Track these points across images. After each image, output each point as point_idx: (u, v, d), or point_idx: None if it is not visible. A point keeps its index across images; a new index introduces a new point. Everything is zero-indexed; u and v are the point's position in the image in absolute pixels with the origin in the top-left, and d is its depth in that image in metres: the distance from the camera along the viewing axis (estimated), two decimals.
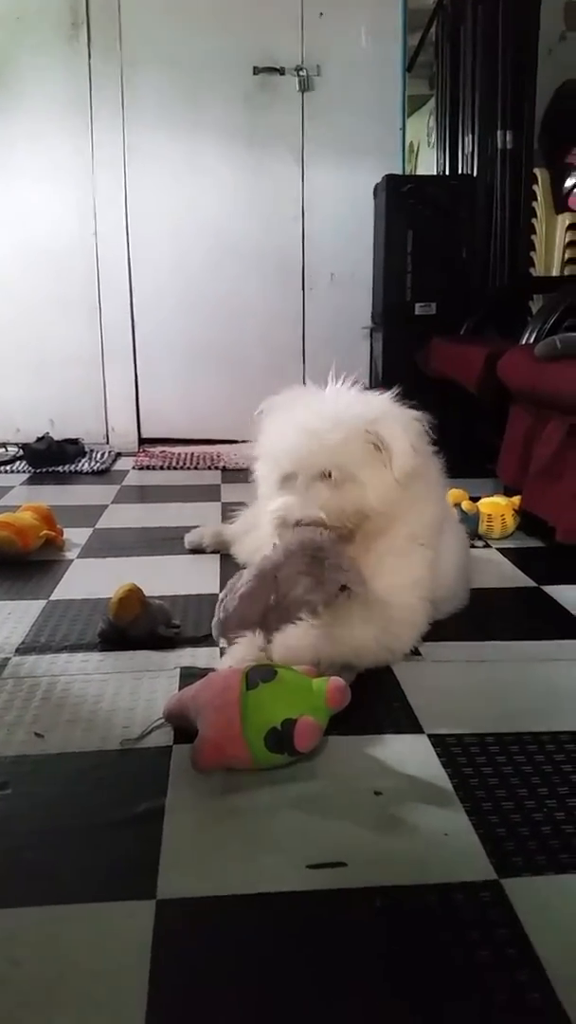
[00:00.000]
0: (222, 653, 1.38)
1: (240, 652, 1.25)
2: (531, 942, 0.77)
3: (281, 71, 3.33)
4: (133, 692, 1.28)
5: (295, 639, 1.24)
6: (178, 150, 3.39)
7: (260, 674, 1.07)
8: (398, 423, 1.38)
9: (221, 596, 1.30)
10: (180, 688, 1.26)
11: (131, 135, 3.35)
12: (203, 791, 1.02)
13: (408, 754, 1.10)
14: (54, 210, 3.37)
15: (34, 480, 2.93)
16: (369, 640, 1.29)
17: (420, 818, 0.97)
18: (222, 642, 1.33)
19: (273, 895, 0.84)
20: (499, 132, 3.13)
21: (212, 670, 1.28)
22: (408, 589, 1.39)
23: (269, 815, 0.97)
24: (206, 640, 1.48)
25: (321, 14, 3.31)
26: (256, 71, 3.32)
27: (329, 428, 1.35)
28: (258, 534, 1.87)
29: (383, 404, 1.43)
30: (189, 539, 2.04)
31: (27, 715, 1.21)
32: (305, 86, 3.35)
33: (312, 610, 1.27)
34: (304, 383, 3.63)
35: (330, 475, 1.34)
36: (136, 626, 1.44)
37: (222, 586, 1.76)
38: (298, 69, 3.33)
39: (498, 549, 2.07)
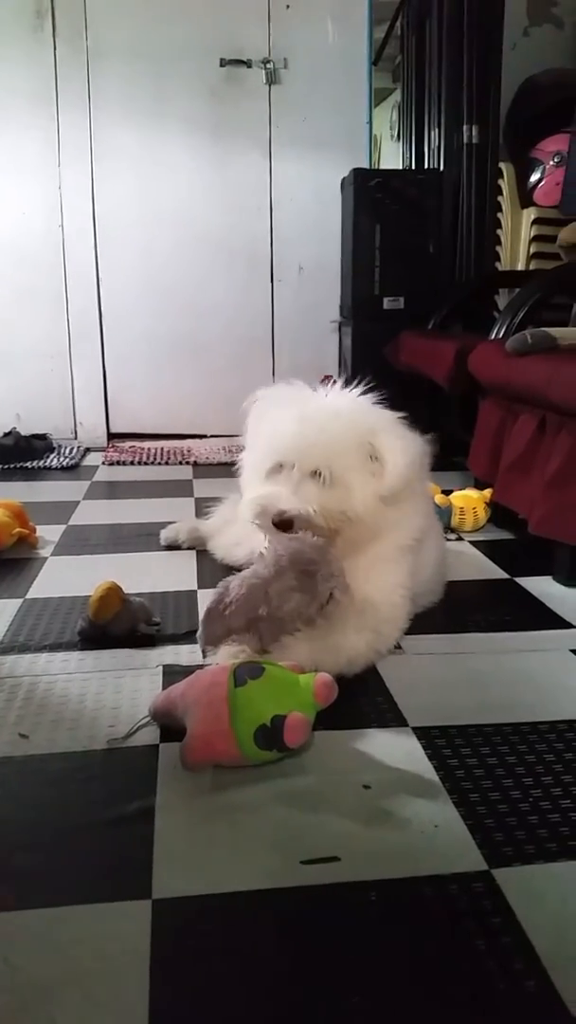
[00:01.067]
0: (205, 651, 1.38)
1: (229, 651, 1.25)
2: (525, 930, 0.79)
3: (248, 64, 3.31)
4: (116, 691, 1.28)
5: (294, 653, 1.24)
6: (145, 142, 3.35)
7: (248, 671, 1.08)
8: (399, 440, 1.39)
9: (208, 606, 1.29)
10: (164, 686, 1.26)
11: (97, 127, 3.30)
12: (193, 789, 1.02)
13: (394, 748, 1.12)
14: (19, 202, 3.30)
15: (2, 476, 2.88)
16: (362, 647, 1.30)
17: (410, 811, 0.98)
18: (207, 653, 1.32)
19: (269, 891, 0.85)
20: (465, 126, 3.15)
21: (195, 668, 1.28)
22: (392, 589, 1.41)
23: (260, 812, 0.98)
24: (187, 637, 1.48)
25: (288, 6, 3.29)
26: (223, 63, 3.29)
27: (333, 426, 1.36)
28: (235, 529, 1.87)
29: (388, 418, 1.43)
30: (165, 535, 2.03)
31: (10, 716, 1.19)
32: (272, 79, 3.33)
33: (308, 621, 1.28)
34: (273, 375, 3.67)
35: (320, 474, 1.35)
36: (116, 624, 1.44)
37: (200, 583, 1.79)
38: (265, 62, 3.31)
39: (470, 542, 2.09)
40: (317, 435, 1.35)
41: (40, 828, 0.95)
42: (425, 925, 0.80)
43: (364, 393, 1.47)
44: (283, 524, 1.34)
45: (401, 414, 1.46)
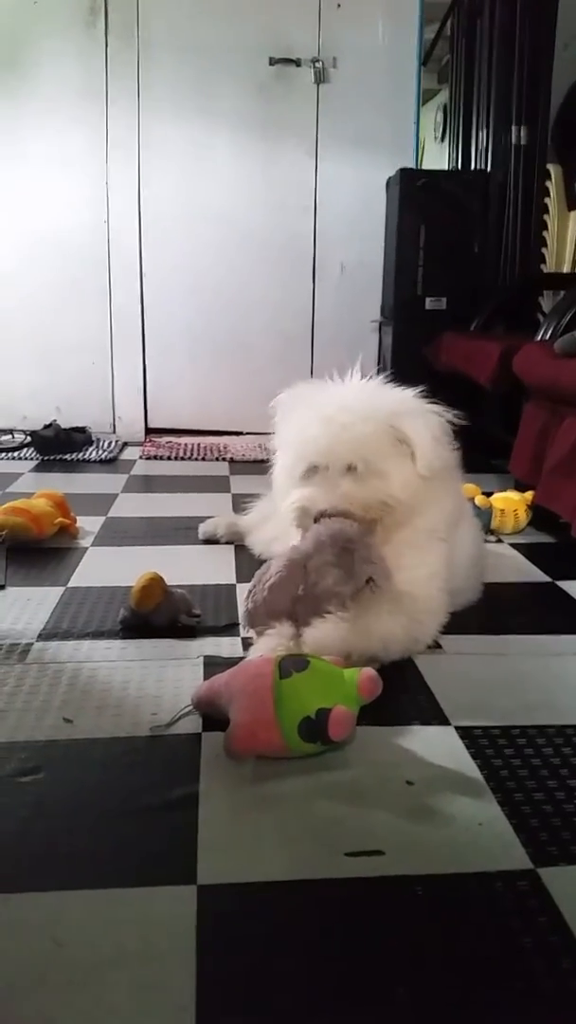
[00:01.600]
0: (245, 643, 1.38)
1: (269, 643, 1.25)
2: (572, 929, 0.78)
3: (297, 62, 3.32)
4: (159, 680, 1.28)
5: (324, 633, 1.24)
6: (192, 139, 3.38)
7: (293, 663, 1.08)
8: (421, 418, 1.40)
9: (250, 586, 1.30)
10: (205, 677, 1.27)
11: (146, 122, 3.33)
12: (236, 778, 1.02)
13: (436, 745, 1.11)
14: (66, 196, 3.35)
15: (41, 467, 2.92)
16: (397, 631, 1.30)
17: (453, 808, 0.97)
18: (249, 632, 1.33)
19: (313, 882, 0.85)
20: (514, 128, 3.13)
21: (236, 659, 1.29)
22: (429, 580, 1.40)
23: (304, 803, 0.98)
24: (228, 629, 1.48)
25: (339, 5, 3.29)
26: (272, 62, 3.30)
27: (355, 420, 1.36)
28: (272, 525, 1.88)
29: (406, 398, 1.45)
30: (203, 529, 2.04)
31: (55, 700, 1.21)
32: (321, 78, 3.34)
33: (341, 603, 1.28)
34: (311, 374, 3.69)
35: (355, 468, 1.36)
36: (158, 614, 1.45)
37: (238, 577, 1.79)
38: (314, 61, 3.31)
39: (511, 544, 2.08)
40: (342, 431, 1.35)
41: (85, 811, 0.96)
42: (471, 921, 0.80)
43: (382, 380, 1.50)
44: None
45: (418, 389, 1.48)
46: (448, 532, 1.48)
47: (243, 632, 1.36)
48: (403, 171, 3.14)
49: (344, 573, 1.27)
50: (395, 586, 1.34)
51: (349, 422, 1.36)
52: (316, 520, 1.36)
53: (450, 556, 1.48)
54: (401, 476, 1.37)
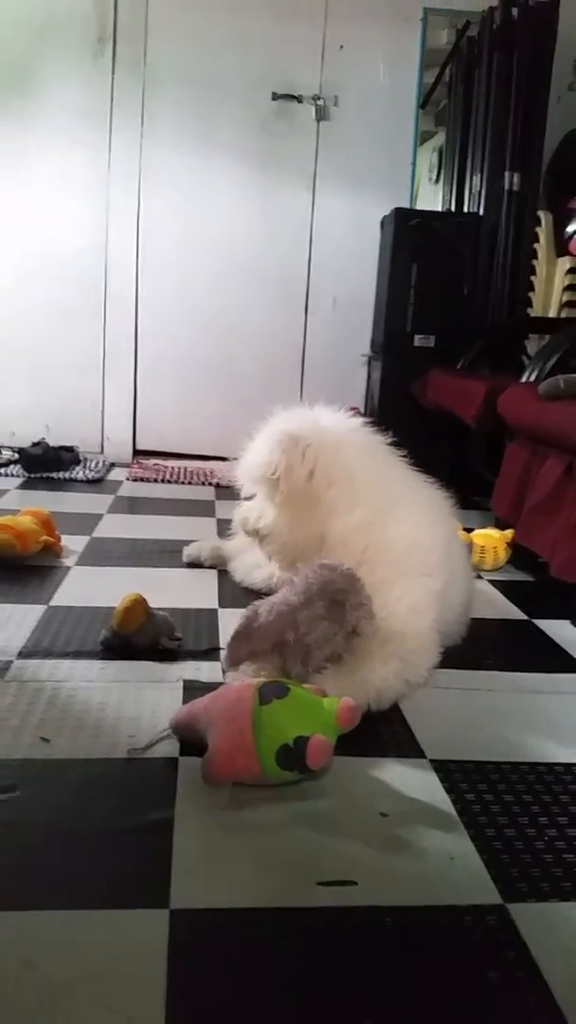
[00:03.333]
0: (226, 673, 1.39)
1: (248, 670, 1.26)
2: (539, 966, 0.79)
3: (299, 99, 3.40)
4: (137, 701, 1.29)
5: (319, 688, 1.25)
6: (193, 168, 3.44)
7: (273, 690, 1.09)
8: (281, 442, 1.52)
9: (236, 629, 1.29)
10: (184, 701, 1.28)
11: (148, 150, 3.38)
12: (211, 804, 1.03)
13: (411, 778, 1.12)
14: (67, 218, 3.39)
15: (28, 485, 2.92)
16: (391, 679, 1.29)
17: (426, 841, 0.98)
18: (228, 673, 1.33)
19: (285, 910, 0.85)
20: (507, 173, 3.21)
21: (215, 684, 1.29)
22: (413, 615, 1.40)
23: (278, 831, 0.99)
24: (208, 654, 1.49)
25: (341, 47, 3.38)
26: (275, 97, 3.38)
27: (253, 448, 1.58)
28: (255, 552, 1.89)
29: (282, 423, 1.59)
30: (188, 553, 2.05)
31: (33, 719, 1.21)
32: (321, 115, 3.42)
33: (334, 657, 1.28)
34: (300, 404, 3.70)
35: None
36: (140, 636, 1.45)
37: (221, 601, 1.80)
38: (315, 98, 3.39)
39: (489, 581, 2.10)
40: (243, 459, 1.59)
41: (60, 831, 0.96)
42: (439, 954, 0.81)
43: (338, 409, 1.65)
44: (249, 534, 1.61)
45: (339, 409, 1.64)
46: (434, 568, 1.49)
47: (224, 673, 1.35)
48: (398, 211, 3.21)
49: (335, 624, 1.27)
50: (381, 626, 1.34)
51: (251, 448, 1.58)
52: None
53: (442, 593, 1.49)
54: (263, 501, 1.55)
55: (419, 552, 1.49)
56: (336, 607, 1.27)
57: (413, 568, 1.46)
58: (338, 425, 1.61)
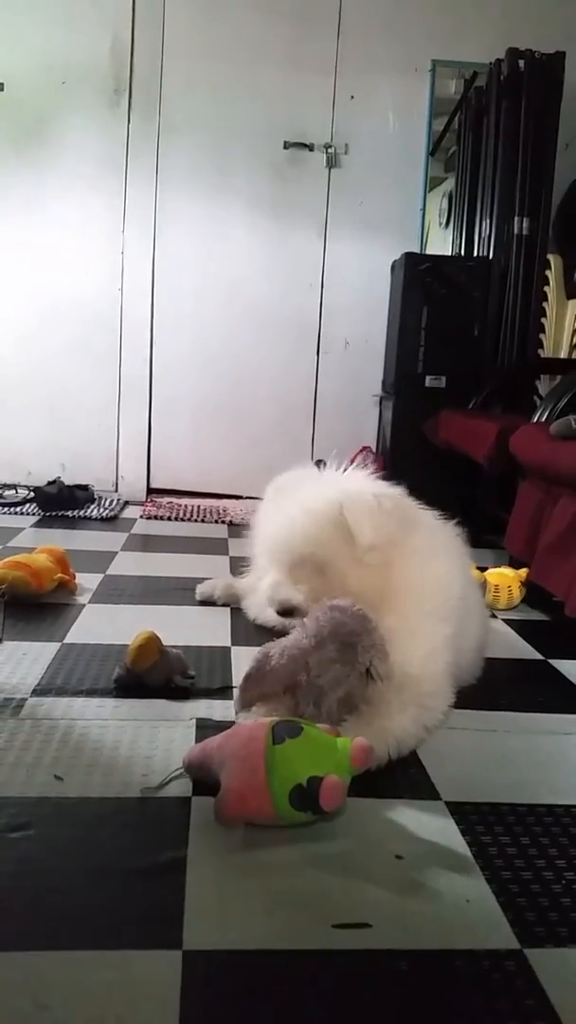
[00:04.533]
0: (238, 714, 1.38)
1: (262, 711, 1.26)
2: (559, 1015, 0.77)
3: (310, 147, 3.48)
4: (150, 740, 1.29)
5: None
6: (207, 215, 3.51)
7: (287, 729, 1.09)
8: (361, 504, 1.48)
9: (247, 672, 1.28)
10: (197, 739, 1.27)
11: (163, 196, 3.47)
12: (224, 845, 1.02)
13: (427, 820, 1.11)
14: (83, 263, 3.46)
15: (43, 523, 2.94)
16: (409, 727, 1.28)
17: (442, 883, 0.97)
18: (240, 714, 1.32)
19: (300, 952, 0.84)
20: (516, 218, 3.26)
21: (228, 723, 1.29)
22: (429, 659, 1.39)
23: (292, 872, 0.98)
24: (221, 692, 1.49)
25: (352, 97, 3.47)
26: (287, 145, 3.46)
27: (307, 516, 1.48)
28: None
29: (355, 486, 1.54)
30: (201, 591, 2.06)
31: (46, 757, 1.21)
32: (332, 163, 3.50)
33: (352, 707, 1.27)
34: (312, 444, 3.74)
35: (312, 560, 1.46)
36: (153, 674, 1.45)
37: (234, 639, 1.80)
38: (327, 146, 3.48)
39: (504, 620, 2.09)
40: (293, 530, 1.47)
41: (72, 870, 0.96)
42: (456, 1000, 0.79)
43: (373, 478, 1.59)
44: (284, 613, 1.49)
45: (377, 476, 1.59)
46: (451, 613, 1.49)
47: (236, 714, 1.34)
48: (408, 255, 3.26)
49: (347, 666, 1.26)
50: (395, 668, 1.32)
51: (303, 517, 1.47)
52: (277, 611, 1.50)
53: (456, 638, 1.48)
54: (349, 564, 1.45)
55: (438, 597, 1.48)
56: (348, 649, 1.27)
57: (432, 612, 1.45)
58: (363, 485, 1.59)
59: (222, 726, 1.26)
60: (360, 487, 1.53)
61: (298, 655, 1.27)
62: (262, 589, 1.51)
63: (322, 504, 1.48)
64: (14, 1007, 0.75)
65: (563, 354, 3.23)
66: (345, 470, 1.64)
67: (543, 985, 0.81)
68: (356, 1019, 0.76)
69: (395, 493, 1.54)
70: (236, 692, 1.32)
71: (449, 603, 1.49)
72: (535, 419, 2.36)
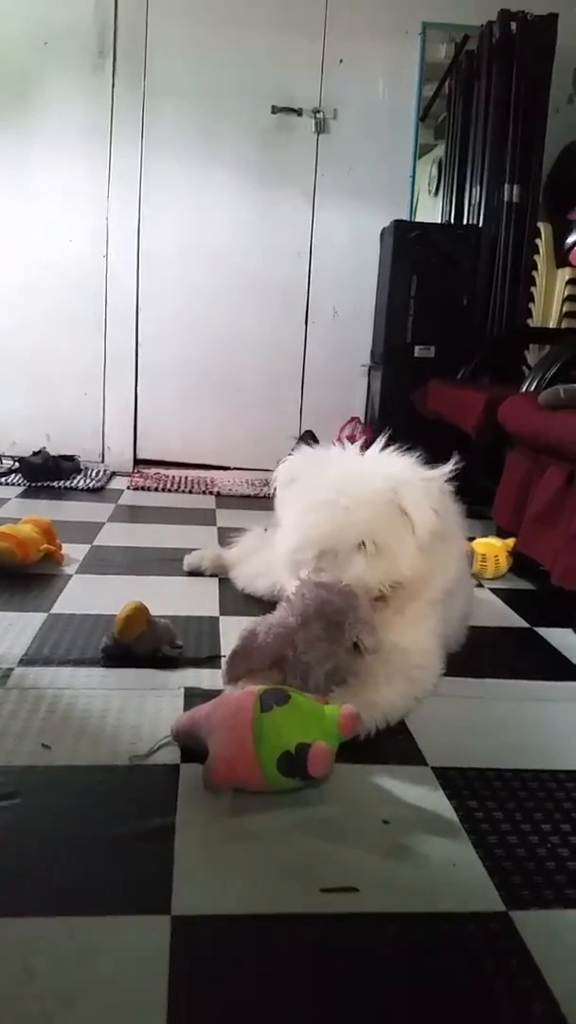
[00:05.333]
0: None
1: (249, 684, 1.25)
2: (543, 975, 0.78)
3: (299, 112, 3.42)
4: (138, 709, 1.29)
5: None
6: (193, 181, 3.46)
7: (274, 697, 1.09)
8: (418, 489, 1.40)
9: (234, 649, 1.26)
10: (185, 708, 1.27)
11: (148, 162, 3.41)
12: (212, 811, 1.03)
13: (413, 785, 1.12)
14: (67, 230, 3.40)
15: (29, 494, 2.92)
16: (397, 700, 1.28)
17: (428, 848, 0.98)
18: (227, 687, 1.31)
19: (288, 916, 0.85)
20: (506, 186, 3.23)
21: (216, 692, 1.29)
22: (422, 634, 1.40)
23: (280, 838, 0.98)
24: (209, 661, 1.49)
25: (341, 61, 3.41)
26: (274, 110, 3.40)
27: (357, 503, 1.37)
28: (257, 560, 1.90)
29: (403, 470, 1.44)
30: (188, 561, 2.05)
31: (34, 726, 1.21)
32: (321, 128, 3.44)
33: (340, 680, 1.26)
34: (300, 414, 3.70)
35: (364, 545, 1.36)
36: (141, 644, 1.45)
37: (222, 609, 1.80)
38: (315, 111, 3.42)
39: (491, 589, 2.10)
40: (345, 515, 1.36)
41: (61, 838, 0.96)
42: (443, 961, 0.80)
43: (385, 448, 1.50)
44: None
45: (417, 454, 1.48)
46: (447, 594, 1.49)
47: (224, 686, 1.33)
48: (397, 223, 3.23)
49: (334, 643, 1.25)
50: (386, 643, 1.32)
51: (352, 505, 1.37)
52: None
53: (447, 612, 1.49)
54: (405, 548, 1.38)
55: (441, 584, 1.47)
56: (334, 627, 1.25)
57: (434, 600, 1.45)
58: (408, 467, 1.49)
59: (210, 695, 1.26)
60: (406, 471, 1.44)
61: (284, 633, 1.26)
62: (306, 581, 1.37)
63: (374, 490, 1.38)
64: (3, 972, 0.75)
65: (552, 324, 3.22)
66: (362, 449, 1.52)
67: (528, 946, 0.82)
68: (344, 982, 0.77)
69: (437, 475, 1.46)
70: (224, 663, 1.32)
71: (448, 588, 1.49)
72: (523, 389, 2.36)
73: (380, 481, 1.40)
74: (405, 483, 1.40)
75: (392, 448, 1.50)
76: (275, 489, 1.54)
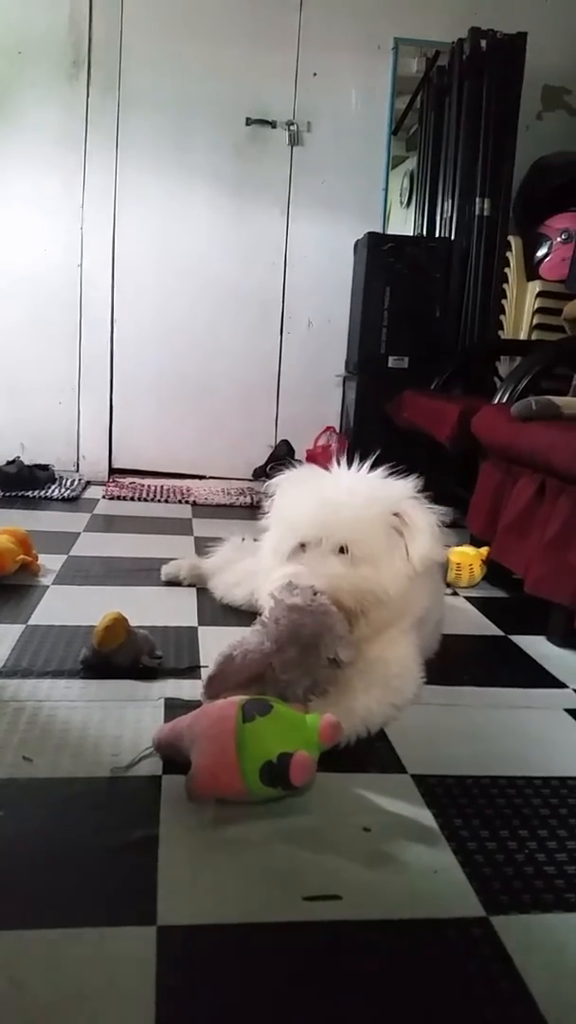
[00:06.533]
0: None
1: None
2: (523, 978, 0.80)
3: (273, 124, 3.45)
4: (119, 720, 1.29)
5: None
6: (167, 191, 3.47)
7: (256, 707, 1.10)
8: (425, 514, 1.38)
9: (210, 673, 1.24)
10: (165, 719, 1.28)
11: (123, 172, 3.41)
12: (195, 821, 1.03)
13: (393, 793, 1.13)
14: (42, 239, 3.40)
15: (3, 503, 2.90)
16: (374, 706, 1.29)
17: (409, 855, 1.00)
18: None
19: (272, 925, 0.86)
20: (477, 199, 3.28)
21: (196, 702, 1.29)
22: (401, 647, 1.41)
23: (263, 847, 0.99)
24: (188, 672, 1.50)
25: (315, 74, 3.45)
26: (248, 122, 3.43)
27: (354, 502, 1.35)
28: (235, 570, 1.90)
29: (408, 490, 1.43)
30: (166, 571, 2.05)
31: (14, 738, 1.20)
32: (295, 140, 3.47)
33: (322, 692, 1.26)
34: (276, 424, 3.74)
35: (347, 550, 1.33)
36: (120, 654, 1.45)
37: (200, 619, 1.81)
38: (289, 124, 3.45)
39: (465, 597, 2.13)
40: (339, 510, 1.33)
41: (44, 850, 0.96)
42: (425, 967, 0.82)
43: (378, 470, 1.48)
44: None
45: (415, 482, 1.46)
46: (420, 603, 1.49)
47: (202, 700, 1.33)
48: (371, 235, 3.27)
49: (310, 666, 1.25)
50: (363, 653, 1.33)
51: (348, 503, 1.35)
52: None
53: (423, 618, 1.50)
54: (392, 570, 1.35)
55: (418, 611, 1.48)
56: (311, 649, 1.25)
57: (412, 624, 1.46)
58: (408, 490, 1.47)
59: (191, 705, 1.26)
60: (408, 493, 1.42)
61: (260, 659, 1.24)
62: (276, 578, 1.34)
63: (373, 500, 1.37)
64: None
65: (523, 335, 3.27)
66: (362, 469, 1.48)
67: (508, 951, 0.84)
68: (329, 988, 0.78)
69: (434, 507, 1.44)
70: (204, 676, 1.32)
71: (426, 599, 1.51)
72: (496, 400, 2.39)
73: (383, 491, 1.39)
74: (411, 505, 1.38)
75: (384, 469, 1.48)
76: (270, 497, 1.52)
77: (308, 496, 1.39)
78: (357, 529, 1.33)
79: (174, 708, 1.33)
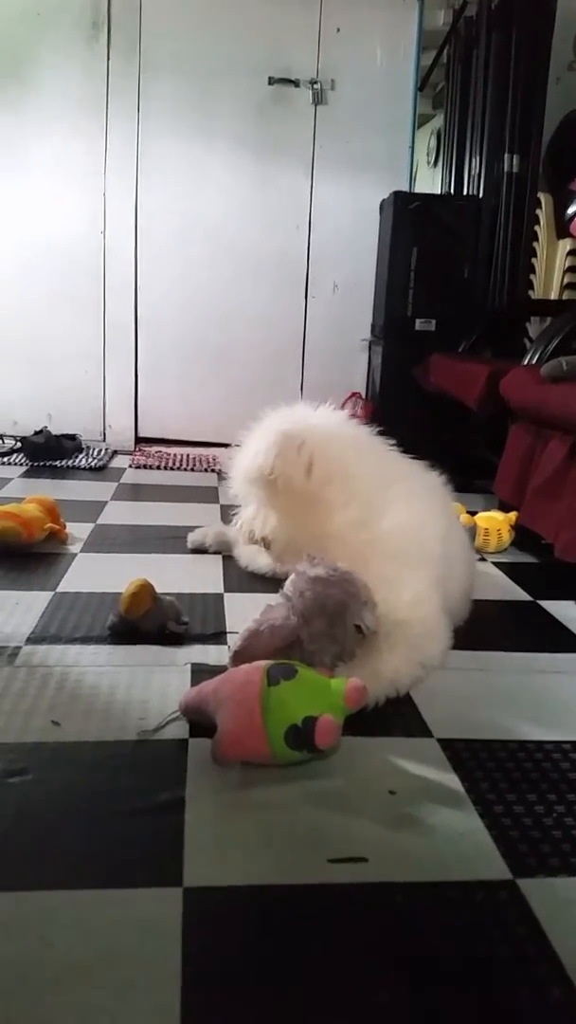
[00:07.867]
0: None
1: None
2: (549, 940, 0.80)
3: (296, 83, 3.38)
4: (146, 685, 1.30)
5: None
6: (190, 155, 3.42)
7: (281, 671, 1.10)
8: (276, 442, 1.54)
9: (235, 648, 1.24)
10: (192, 684, 1.28)
11: (144, 137, 3.37)
12: (221, 784, 1.04)
13: (419, 757, 1.13)
14: (63, 207, 3.38)
15: (31, 473, 2.93)
16: (401, 666, 1.29)
17: (435, 818, 0.99)
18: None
19: (297, 887, 0.86)
20: (506, 156, 3.20)
21: (222, 667, 1.30)
22: (419, 604, 1.39)
23: (288, 809, 0.99)
24: (215, 638, 1.50)
25: (338, 30, 3.36)
26: (271, 81, 3.36)
27: (243, 455, 1.60)
28: None
29: (279, 420, 1.62)
30: (192, 539, 2.06)
31: (43, 703, 1.22)
32: (319, 99, 3.40)
33: (349, 657, 1.27)
34: (301, 389, 3.74)
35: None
36: (147, 621, 1.46)
37: (226, 586, 1.81)
38: (312, 82, 3.38)
39: (494, 563, 2.11)
40: (237, 463, 1.62)
41: (72, 813, 0.97)
42: (451, 929, 0.81)
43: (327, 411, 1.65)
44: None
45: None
46: (432, 558, 1.48)
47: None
48: (397, 194, 3.20)
49: (336, 635, 1.25)
50: (386, 619, 1.32)
51: (242, 456, 1.59)
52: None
53: (441, 581, 1.48)
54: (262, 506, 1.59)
55: (416, 544, 1.48)
56: (337, 620, 1.26)
57: (411, 560, 1.46)
58: (329, 421, 1.63)
59: (217, 670, 1.26)
60: (304, 416, 1.62)
61: (287, 634, 1.25)
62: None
63: (257, 443, 1.57)
64: (21, 945, 0.77)
65: (554, 295, 3.20)
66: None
67: (534, 913, 0.84)
68: (353, 950, 0.78)
69: (346, 422, 1.63)
70: (230, 643, 1.32)
71: (429, 549, 1.49)
72: (525, 361, 2.35)
73: (271, 427, 1.59)
74: (263, 434, 1.59)
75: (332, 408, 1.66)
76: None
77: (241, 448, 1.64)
78: (244, 477, 1.59)
79: (200, 673, 1.33)
